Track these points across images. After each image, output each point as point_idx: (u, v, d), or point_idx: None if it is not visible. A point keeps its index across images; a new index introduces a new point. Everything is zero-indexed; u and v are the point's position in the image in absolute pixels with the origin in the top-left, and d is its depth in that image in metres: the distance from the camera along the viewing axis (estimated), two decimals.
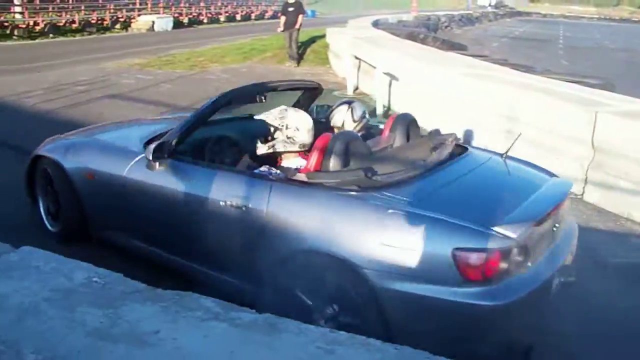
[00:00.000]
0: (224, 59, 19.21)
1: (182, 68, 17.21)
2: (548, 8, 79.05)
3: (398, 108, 11.20)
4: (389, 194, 3.74)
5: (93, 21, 31.41)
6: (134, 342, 2.46)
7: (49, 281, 2.93)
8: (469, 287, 3.45)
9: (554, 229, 4.05)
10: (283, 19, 18.07)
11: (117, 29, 32.10)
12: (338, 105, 5.33)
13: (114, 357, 2.43)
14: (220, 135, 5.09)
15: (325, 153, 4.07)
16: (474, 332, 3.57)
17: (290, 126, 4.40)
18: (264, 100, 5.12)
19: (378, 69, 11.26)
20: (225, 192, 4.17)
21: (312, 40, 20.23)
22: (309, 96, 5.78)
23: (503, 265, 3.49)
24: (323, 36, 19.38)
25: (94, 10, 33.09)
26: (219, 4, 43.49)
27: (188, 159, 4.58)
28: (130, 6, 35.49)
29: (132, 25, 32.94)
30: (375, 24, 22.22)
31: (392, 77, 11.08)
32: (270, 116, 4.45)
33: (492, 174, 4.54)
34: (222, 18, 41.08)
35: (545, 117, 7.44)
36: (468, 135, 8.52)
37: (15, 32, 26.42)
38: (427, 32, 26.50)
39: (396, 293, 3.53)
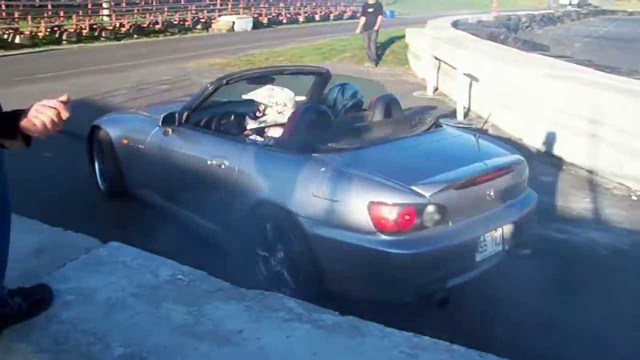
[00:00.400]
0: (303, 59, 19.29)
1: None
2: (635, 5, 76.17)
3: (478, 109, 11.05)
4: (329, 157, 4.38)
5: (175, 22, 32.18)
6: (217, 340, 2.48)
7: (136, 277, 3.00)
8: (381, 236, 3.95)
9: (489, 197, 4.42)
10: (362, 19, 18.00)
11: (198, 29, 32.73)
12: (333, 87, 5.91)
13: (197, 354, 2.47)
14: (225, 111, 5.87)
15: (293, 124, 4.80)
16: (386, 277, 4.04)
17: (279, 103, 5.18)
18: (273, 81, 5.75)
19: (458, 70, 11.11)
20: (212, 153, 5.03)
21: (391, 40, 20.11)
22: (321, 80, 6.45)
23: (415, 219, 3.98)
24: (402, 37, 19.26)
25: (176, 12, 33.89)
26: (298, 4, 43.79)
27: (193, 128, 5.46)
28: (211, 7, 36.14)
29: (213, 25, 33.53)
30: (455, 25, 21.98)
31: (473, 78, 10.92)
32: (259, 95, 5.21)
33: (443, 146, 5.05)
34: (301, 18, 41.34)
35: (631, 119, 7.20)
36: (550, 137, 8.34)
37: (103, 34, 27.40)
38: (508, 33, 26.05)
39: (323, 238, 4.10)
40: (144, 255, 3.22)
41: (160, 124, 5.42)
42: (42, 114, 2.04)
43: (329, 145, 4.53)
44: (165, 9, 33.69)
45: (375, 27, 17.69)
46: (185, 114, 5.44)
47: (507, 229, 4.56)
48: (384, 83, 14.92)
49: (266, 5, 40.47)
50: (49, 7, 28.11)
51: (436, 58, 13.37)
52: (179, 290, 2.86)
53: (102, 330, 2.53)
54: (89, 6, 29.56)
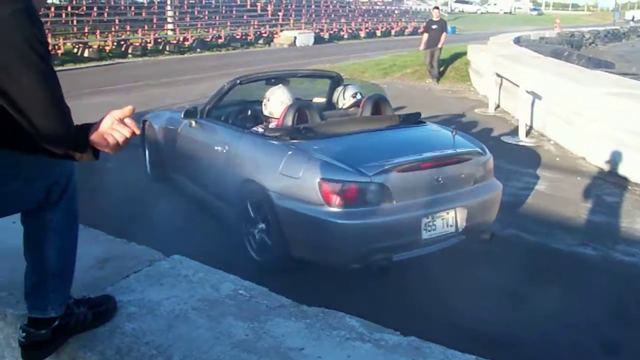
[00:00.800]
0: (364, 74, 19.32)
1: (321, 83, 17.43)
2: None
3: (541, 127, 10.91)
4: (301, 144, 5.35)
5: (237, 36, 32.62)
6: (279, 357, 2.48)
7: (197, 290, 3.02)
8: (328, 208, 4.83)
9: (437, 182, 5.12)
10: (425, 36, 17.94)
11: (260, 43, 33.11)
12: (337, 88, 6.89)
13: None
14: (244, 107, 7.12)
15: (282, 117, 5.84)
16: (332, 244, 4.92)
17: (272, 100, 6.16)
18: (288, 83, 6.89)
19: (521, 87, 10.99)
20: (219, 140, 6.22)
21: (453, 57, 19.96)
22: (333, 83, 7.38)
23: (358, 195, 4.86)
24: (464, 53, 19.11)
25: (239, 26, 34.38)
26: (360, 20, 43.90)
27: (210, 120, 6.63)
28: (273, 22, 36.53)
29: (275, 40, 33.88)
30: (517, 41, 21.75)
31: (535, 95, 10.79)
32: (267, 93, 6.28)
33: (408, 138, 5.88)
34: (362, 34, 41.45)
35: None
36: (614, 156, 8.17)
37: (167, 48, 27.98)
38: (571, 50, 25.65)
39: (286, 210, 5.09)
40: (205, 269, 3.25)
41: (182, 115, 6.72)
42: (115, 131, 2.08)
43: (304, 134, 5.46)
44: (228, 24, 34.24)
45: (439, 45, 17.68)
46: (207, 108, 6.67)
47: (460, 212, 5.23)
48: (445, 100, 14.92)
49: (328, 21, 40.68)
50: (116, 21, 28.90)
51: (498, 75, 13.25)
52: (240, 306, 2.88)
53: (165, 343, 2.56)
54: (154, 21, 30.22)
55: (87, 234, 3.60)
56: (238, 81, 6.61)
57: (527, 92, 10.82)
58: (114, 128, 2.09)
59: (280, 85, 6.47)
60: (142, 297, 2.95)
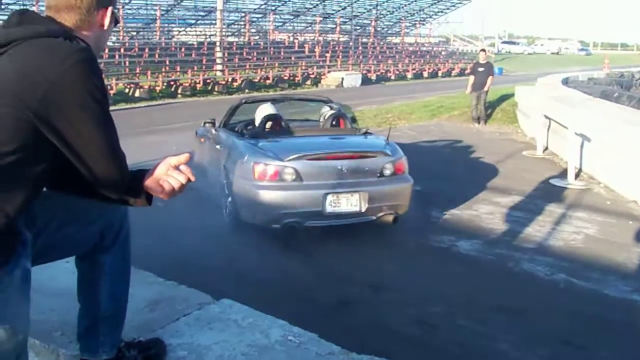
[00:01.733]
0: (411, 115, 19.33)
1: (370, 124, 17.46)
2: None
3: (590, 169, 10.76)
4: (255, 140, 7.56)
5: (285, 77, 32.89)
6: None
7: (247, 336, 3.03)
8: (257, 182, 7.00)
9: (340, 170, 7.04)
10: (471, 79, 17.69)
11: (308, 84, 33.37)
12: (323, 108, 8.99)
13: None
14: (249, 120, 8.75)
15: (258, 124, 8.18)
16: (261, 208, 7.00)
17: (258, 112, 8.40)
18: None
19: (570, 129, 10.89)
20: (220, 141, 8.35)
21: (500, 98, 19.84)
22: (324, 104, 9.36)
23: (277, 175, 6.95)
24: (511, 95, 18.98)
25: (286, 67, 34.77)
26: (407, 61, 43.98)
27: (222, 129, 8.66)
28: (321, 63, 36.78)
29: (322, 81, 34.12)
30: (565, 82, 21.55)
31: (585, 137, 10.67)
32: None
33: (336, 141, 7.86)
34: (409, 75, 41.51)
35: None
36: None
37: (216, 88, 28.40)
38: (621, 90, 25.32)
39: (237, 184, 7.23)
40: (255, 314, 3.26)
41: (202, 124, 9.17)
42: (172, 178, 2.12)
43: (263, 135, 7.71)
44: (276, 65, 34.61)
45: (485, 88, 17.44)
46: (222, 121, 8.93)
47: (363, 196, 7.08)
48: (494, 141, 14.82)
49: (375, 62, 40.86)
50: (167, 62, 29.40)
51: (546, 117, 13.12)
52: (289, 352, 2.87)
53: None
54: (204, 62, 30.68)
55: (138, 275, 3.65)
56: (243, 101, 9.42)
57: (576, 134, 10.70)
58: (169, 174, 2.13)
59: (269, 102, 8.79)
60: (191, 341, 2.97)
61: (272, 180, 6.94)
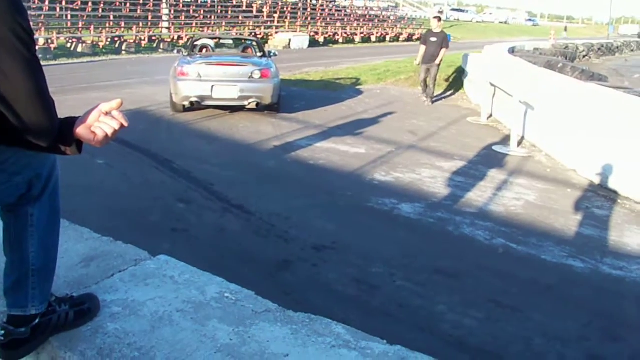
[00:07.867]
0: (360, 78, 19.29)
1: (316, 87, 17.38)
2: None
3: (533, 137, 10.91)
4: (187, 56, 12.94)
5: None
6: None
7: (183, 292, 2.97)
8: (180, 77, 11.91)
9: (224, 74, 11.86)
10: (422, 49, 15.49)
11: None
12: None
13: None
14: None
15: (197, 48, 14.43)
16: (177, 92, 12.00)
17: (197, 44, 14.68)
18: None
19: (514, 97, 11.00)
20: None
21: (447, 64, 19.91)
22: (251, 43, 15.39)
23: (187, 73, 11.87)
24: (458, 62, 19.09)
25: (233, 27, 34.37)
26: (355, 24, 43.89)
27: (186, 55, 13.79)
28: (269, 24, 36.43)
29: (270, 42, 33.89)
30: (512, 51, 21.75)
31: (528, 106, 10.79)
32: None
33: (234, 57, 12.94)
34: (357, 39, 41.49)
35: None
36: (605, 170, 8.18)
37: (161, 46, 27.92)
38: (565, 61, 25.68)
39: (171, 80, 12.29)
40: (191, 270, 3.20)
41: (175, 52, 16.27)
42: (104, 124, 2.03)
43: (193, 54, 13.05)
44: (223, 24, 34.18)
45: (437, 61, 15.32)
46: (187, 51, 14.08)
47: (238, 89, 11.77)
48: (438, 107, 14.91)
49: (323, 24, 40.67)
50: (111, 17, 28.75)
51: (491, 84, 13.24)
52: (225, 309, 2.83)
53: (147, 345, 2.51)
54: (149, 18, 30.10)
55: (73, 231, 3.56)
56: (193, 38, 15.47)
57: (520, 102, 10.82)
58: (101, 121, 2.04)
59: (207, 38, 15.58)
60: (126, 297, 2.90)
61: (184, 76, 11.81)
